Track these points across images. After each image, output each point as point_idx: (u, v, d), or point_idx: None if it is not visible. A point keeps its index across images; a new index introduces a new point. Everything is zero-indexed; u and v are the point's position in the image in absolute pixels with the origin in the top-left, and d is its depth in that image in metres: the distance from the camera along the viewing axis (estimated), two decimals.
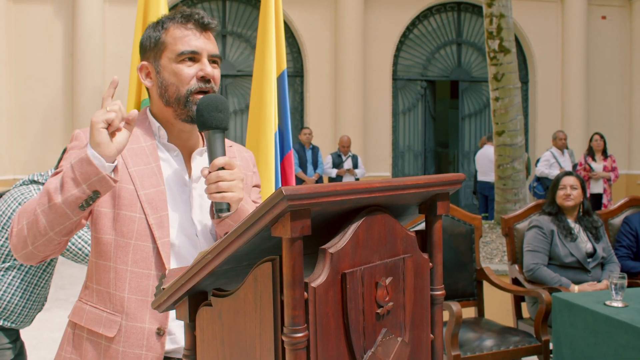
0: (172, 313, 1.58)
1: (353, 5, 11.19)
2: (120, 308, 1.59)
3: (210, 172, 1.55)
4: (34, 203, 1.48)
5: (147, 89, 1.70)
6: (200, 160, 1.71)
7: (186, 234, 1.65)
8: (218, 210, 1.56)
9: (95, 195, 1.44)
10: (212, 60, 1.67)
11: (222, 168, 1.55)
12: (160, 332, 1.59)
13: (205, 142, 1.61)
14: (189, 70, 1.62)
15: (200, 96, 1.61)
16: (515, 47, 7.82)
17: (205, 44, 1.65)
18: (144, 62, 1.68)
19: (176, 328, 1.63)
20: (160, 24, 1.67)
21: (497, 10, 7.44)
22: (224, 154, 1.58)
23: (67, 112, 10.22)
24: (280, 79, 3.24)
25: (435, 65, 12.36)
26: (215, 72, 1.66)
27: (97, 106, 10.08)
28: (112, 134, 1.46)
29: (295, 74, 11.49)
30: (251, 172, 1.83)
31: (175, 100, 1.63)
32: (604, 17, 12.62)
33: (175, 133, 1.69)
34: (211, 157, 1.57)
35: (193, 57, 1.63)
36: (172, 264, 1.62)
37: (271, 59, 3.13)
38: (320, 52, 11.35)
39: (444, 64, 12.38)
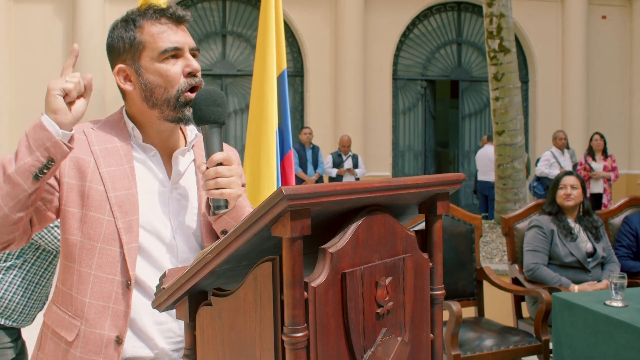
0: (131, 321, 1.55)
1: (353, 5, 11.19)
2: (80, 312, 1.53)
3: (208, 168, 1.51)
4: None
5: (124, 92, 1.61)
6: (182, 160, 1.65)
7: (160, 237, 1.58)
8: (216, 207, 1.52)
9: (50, 163, 1.39)
10: (192, 53, 1.60)
11: (220, 164, 1.51)
12: (119, 340, 1.52)
13: (203, 137, 1.54)
14: (175, 68, 1.55)
15: (190, 93, 1.56)
16: (515, 46, 7.82)
17: (184, 37, 1.58)
18: (121, 65, 1.58)
19: (131, 338, 1.56)
20: (130, 22, 1.58)
21: (497, 10, 7.44)
22: (222, 150, 1.53)
23: None
24: (280, 78, 3.24)
25: (436, 65, 12.36)
26: (198, 65, 1.60)
27: (96, 105, 10.08)
28: (69, 104, 1.44)
29: (295, 74, 11.49)
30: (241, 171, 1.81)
31: (165, 102, 1.56)
32: (604, 17, 12.62)
33: (153, 133, 1.62)
34: (209, 153, 1.52)
35: (176, 53, 1.56)
36: (142, 269, 1.55)
37: (271, 58, 3.13)
38: (321, 52, 11.35)
39: (444, 64, 12.38)
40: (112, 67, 1.62)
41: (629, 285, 3.43)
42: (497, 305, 4.59)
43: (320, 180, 9.48)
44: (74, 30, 10.13)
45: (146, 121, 1.61)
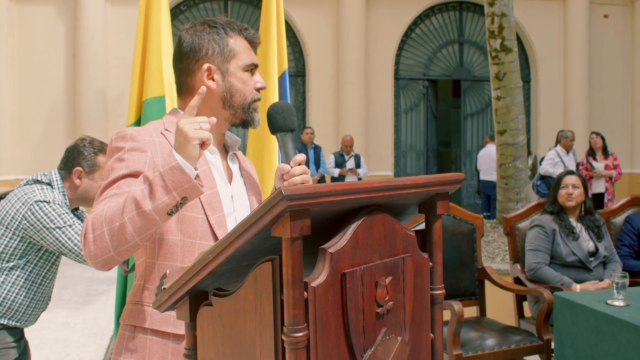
0: None
1: (355, 4, 11.19)
2: None
3: (292, 167, 1.68)
4: (117, 210, 1.48)
5: (193, 89, 1.73)
6: (233, 162, 1.82)
7: None
8: None
9: (184, 201, 1.48)
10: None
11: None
12: None
13: (280, 142, 1.73)
14: (251, 80, 1.75)
15: (255, 103, 1.76)
16: (517, 46, 7.81)
17: (257, 60, 1.79)
18: (210, 65, 1.72)
19: None
20: (221, 29, 1.74)
21: (499, 10, 7.44)
22: (295, 152, 1.72)
23: (69, 112, 10.23)
24: (281, 78, 3.24)
25: (437, 64, 12.35)
26: None
27: (99, 107, 10.10)
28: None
29: (297, 74, 11.50)
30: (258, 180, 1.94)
31: (240, 105, 1.73)
32: (606, 16, 12.60)
33: (215, 136, 1.76)
34: (288, 155, 1.70)
35: (253, 69, 1.76)
36: None
37: (273, 58, 3.14)
38: (322, 52, 11.35)
39: (446, 63, 12.37)
40: (192, 63, 1.73)
41: (631, 284, 3.42)
42: (499, 305, 4.59)
43: (322, 180, 9.48)
44: (75, 31, 10.14)
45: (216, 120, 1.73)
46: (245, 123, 1.76)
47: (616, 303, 3.03)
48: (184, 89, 1.75)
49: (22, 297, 2.56)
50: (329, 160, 9.64)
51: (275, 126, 1.73)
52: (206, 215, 1.65)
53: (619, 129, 12.49)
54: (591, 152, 9.23)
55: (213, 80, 1.72)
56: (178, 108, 1.79)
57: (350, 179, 9.39)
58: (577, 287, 3.81)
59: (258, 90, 1.77)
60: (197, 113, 1.71)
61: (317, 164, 9.48)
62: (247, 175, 1.86)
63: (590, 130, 11.31)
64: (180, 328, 1.61)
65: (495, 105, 7.59)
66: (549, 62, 12.29)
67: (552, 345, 3.60)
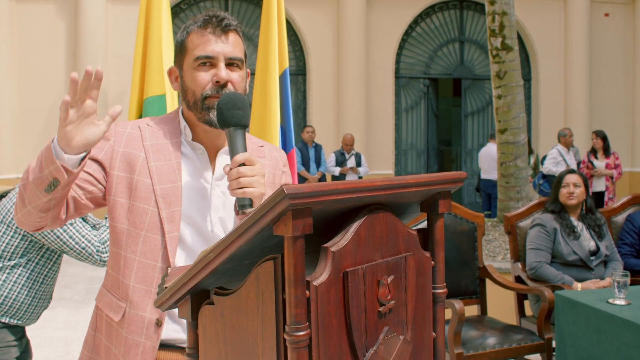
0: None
1: (355, 3, 11.18)
2: (125, 295, 1.65)
3: (231, 169, 1.57)
4: (25, 175, 1.53)
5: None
6: (225, 158, 1.76)
7: (199, 230, 1.69)
8: (241, 206, 1.56)
9: (55, 182, 1.46)
10: (230, 62, 1.69)
11: (243, 164, 1.56)
12: (159, 323, 1.64)
13: (227, 140, 1.61)
14: (205, 75, 1.66)
15: (213, 100, 1.66)
16: (518, 44, 7.80)
17: (223, 47, 1.67)
18: (172, 67, 1.75)
19: (168, 322, 1.68)
20: (185, 28, 1.72)
21: (500, 8, 7.43)
22: (245, 150, 1.59)
23: None
24: (282, 77, 3.24)
25: (438, 63, 12.35)
26: (232, 74, 1.68)
27: (100, 105, 9.98)
28: (83, 127, 1.47)
29: (297, 72, 11.49)
30: (280, 172, 1.85)
31: (194, 105, 1.68)
32: (606, 15, 12.59)
33: (200, 133, 1.73)
34: (232, 154, 1.58)
35: (209, 62, 1.67)
36: (179, 258, 1.66)
37: (274, 57, 3.13)
38: (323, 50, 11.34)
39: (447, 62, 12.37)
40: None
41: (632, 283, 3.42)
42: (500, 304, 4.58)
43: (323, 178, 9.48)
44: (76, 30, 10.14)
45: (191, 120, 1.73)
46: (207, 123, 1.68)
47: (617, 302, 3.03)
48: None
49: (23, 296, 2.56)
50: (329, 158, 9.63)
51: (219, 121, 1.59)
52: (158, 208, 1.64)
53: (619, 128, 12.49)
54: (593, 151, 9.22)
55: (177, 82, 1.74)
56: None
57: (350, 177, 9.39)
58: (578, 286, 3.81)
59: (217, 84, 1.66)
60: (184, 110, 1.75)
61: (318, 163, 9.48)
62: None
63: (591, 129, 11.32)
64: (116, 314, 1.66)
65: (496, 103, 7.58)
66: (550, 61, 12.28)
67: (553, 344, 3.60)
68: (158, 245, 1.64)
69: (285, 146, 3.28)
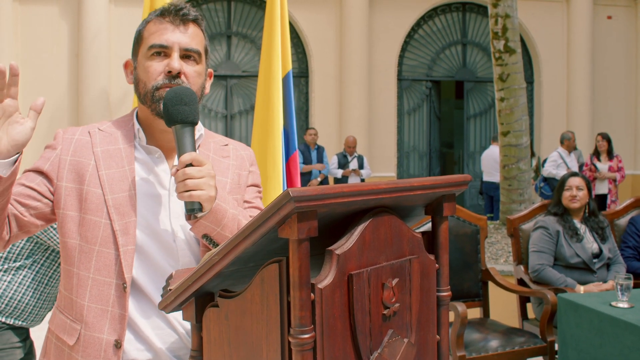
0: (131, 324, 1.54)
1: (358, 5, 11.19)
2: (80, 316, 1.53)
3: (177, 170, 1.44)
4: None
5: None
6: None
7: (160, 240, 1.55)
8: (189, 210, 1.44)
9: None
10: (186, 54, 1.58)
11: (190, 165, 1.44)
12: (118, 344, 1.51)
13: (175, 138, 1.49)
14: (157, 65, 1.55)
15: (163, 91, 1.54)
16: (521, 47, 7.80)
17: (179, 37, 1.56)
18: (128, 59, 1.64)
19: (131, 341, 1.55)
20: (145, 20, 1.62)
21: (503, 11, 7.43)
22: (193, 150, 1.48)
23: (72, 112, 10.25)
24: (285, 79, 3.24)
25: (441, 65, 12.34)
26: (187, 67, 1.57)
27: (102, 106, 10.11)
28: (8, 127, 1.40)
29: (300, 75, 11.50)
30: (246, 172, 1.72)
31: (144, 96, 1.57)
32: (609, 17, 12.58)
33: (157, 134, 1.61)
34: (179, 154, 1.47)
35: (163, 51, 1.56)
36: (140, 272, 1.53)
37: (277, 59, 3.14)
38: (326, 53, 11.35)
39: (449, 64, 12.37)
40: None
41: (635, 286, 3.42)
42: (503, 306, 4.58)
43: (325, 181, 9.48)
44: (79, 31, 10.16)
45: (146, 118, 1.61)
46: (161, 116, 1.53)
47: (620, 305, 3.02)
48: None
49: (28, 297, 2.56)
50: (332, 161, 9.64)
51: (165, 118, 1.48)
52: (110, 220, 1.51)
53: (622, 130, 12.47)
54: (596, 153, 9.22)
55: (132, 74, 1.63)
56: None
57: (353, 179, 9.39)
58: (581, 288, 3.81)
59: (169, 74, 1.54)
60: (139, 116, 1.63)
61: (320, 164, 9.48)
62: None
63: (594, 132, 11.31)
64: (70, 337, 1.53)
65: (499, 106, 7.58)
66: (553, 63, 12.28)
67: (556, 346, 3.60)
68: (112, 260, 1.51)
69: (287, 148, 3.28)
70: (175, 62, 1.55)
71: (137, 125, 1.61)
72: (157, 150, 1.61)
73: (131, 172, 1.55)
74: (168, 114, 1.47)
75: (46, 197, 1.54)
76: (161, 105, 1.52)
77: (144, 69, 1.56)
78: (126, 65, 1.64)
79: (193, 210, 1.44)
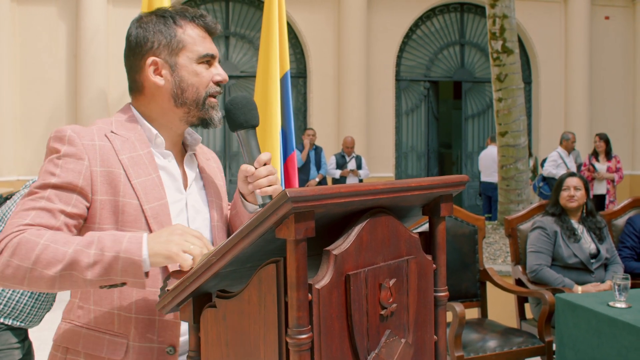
0: (184, 329, 1.52)
1: (356, 6, 11.19)
2: (125, 329, 1.48)
3: (257, 168, 1.55)
4: (52, 258, 1.32)
5: (142, 87, 1.58)
6: (191, 164, 1.66)
7: None
8: (263, 205, 1.50)
9: (122, 285, 1.36)
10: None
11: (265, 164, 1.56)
12: (171, 351, 1.48)
13: (241, 141, 1.58)
14: (207, 73, 1.57)
15: (213, 99, 1.59)
16: (519, 47, 7.80)
17: (215, 49, 1.61)
18: (155, 58, 1.55)
19: (185, 345, 1.54)
20: (169, 19, 1.57)
21: (500, 11, 7.44)
22: (260, 151, 1.58)
23: (71, 113, 10.24)
24: (283, 80, 3.25)
25: (439, 65, 12.35)
26: None
27: (101, 107, 10.10)
28: None
29: (298, 75, 11.50)
30: (222, 175, 1.79)
31: (194, 102, 1.56)
32: (607, 18, 12.60)
33: (171, 136, 1.61)
34: (251, 155, 1.56)
35: (210, 60, 1.59)
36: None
37: (275, 60, 3.14)
38: (324, 53, 11.35)
39: (447, 65, 12.37)
40: (138, 58, 1.58)
41: (633, 286, 3.42)
42: (501, 307, 4.58)
43: (323, 181, 9.48)
44: (77, 32, 10.15)
45: (167, 121, 1.60)
46: (204, 122, 1.59)
47: (618, 305, 3.02)
48: (134, 87, 1.60)
49: (27, 298, 2.56)
50: (330, 161, 9.64)
51: (235, 123, 1.56)
52: (150, 231, 1.47)
53: (620, 131, 12.49)
54: (594, 154, 9.22)
55: (161, 75, 1.55)
56: (131, 106, 1.62)
57: (351, 180, 9.39)
58: (579, 288, 3.81)
59: (218, 83, 1.59)
60: (147, 112, 1.60)
61: (318, 165, 9.48)
62: (207, 178, 1.69)
63: (592, 132, 11.32)
64: (115, 353, 1.48)
65: (497, 106, 7.59)
66: (550, 64, 12.29)
67: (554, 347, 3.60)
68: (157, 270, 1.48)
69: (285, 149, 3.29)
70: (223, 72, 1.61)
71: (153, 130, 1.58)
72: (170, 153, 1.60)
73: (159, 179, 1.53)
74: (237, 119, 1.55)
75: (82, 218, 1.46)
76: (210, 113, 1.58)
77: (194, 74, 1.56)
78: (151, 64, 1.56)
79: (266, 204, 1.51)
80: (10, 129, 9.97)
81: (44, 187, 1.42)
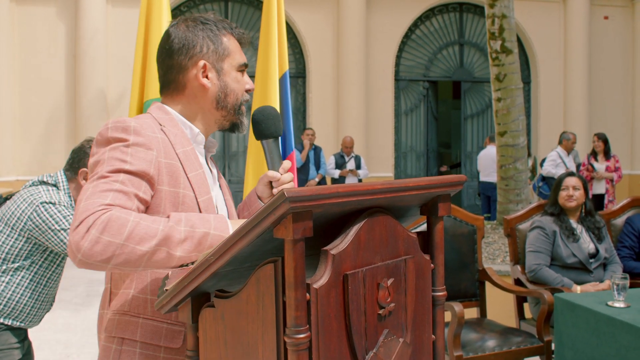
0: None
1: (355, 6, 11.19)
2: None
3: (282, 174, 1.67)
4: (144, 234, 1.33)
5: (184, 86, 1.64)
6: (211, 164, 1.75)
7: None
8: None
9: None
10: None
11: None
12: None
13: (267, 149, 1.69)
14: (243, 81, 1.69)
15: (243, 107, 1.69)
16: (518, 47, 7.81)
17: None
18: (206, 62, 1.63)
19: None
20: (213, 26, 1.66)
21: (499, 11, 7.44)
22: (282, 159, 1.70)
23: (70, 113, 10.24)
24: (282, 80, 3.25)
25: (438, 65, 12.35)
26: None
27: (100, 107, 10.11)
28: None
29: (297, 75, 11.50)
30: None
31: (233, 107, 1.67)
32: (606, 17, 12.60)
33: (206, 135, 1.71)
34: (275, 162, 1.68)
35: (244, 69, 1.70)
36: None
37: (274, 60, 3.14)
38: (323, 53, 11.35)
39: (446, 65, 12.38)
40: (185, 59, 1.63)
41: (631, 286, 3.42)
42: (499, 306, 4.59)
43: (323, 181, 9.48)
44: (76, 32, 10.15)
45: (204, 122, 1.68)
46: (233, 126, 1.70)
47: (616, 304, 3.03)
48: (173, 86, 1.65)
49: (26, 298, 2.56)
50: (329, 161, 9.64)
51: (264, 132, 1.67)
52: None
53: (619, 130, 12.49)
54: (593, 153, 9.23)
55: (207, 78, 1.64)
56: (164, 105, 1.67)
57: (350, 180, 9.39)
58: (578, 288, 3.81)
59: (248, 92, 1.71)
60: (186, 111, 1.66)
61: (317, 165, 9.48)
62: (220, 178, 1.79)
63: (591, 132, 11.32)
64: (173, 341, 1.52)
65: (496, 106, 7.59)
66: (549, 64, 12.29)
67: (553, 346, 3.61)
68: None
69: (284, 149, 3.29)
70: (252, 82, 1.74)
71: (196, 129, 1.66)
72: (204, 151, 1.70)
73: (204, 174, 1.61)
74: (267, 129, 1.67)
75: (147, 205, 1.49)
76: (241, 118, 1.69)
77: (237, 80, 1.68)
78: (202, 67, 1.63)
79: None
80: (9, 129, 9.97)
81: (117, 171, 1.43)
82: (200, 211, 1.54)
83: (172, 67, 1.64)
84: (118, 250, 1.30)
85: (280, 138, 1.73)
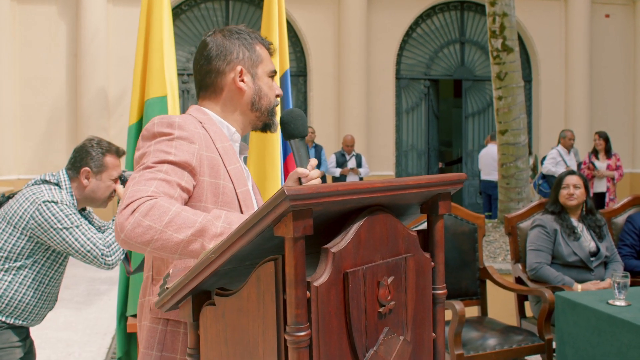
0: None
1: (356, 4, 11.18)
2: None
3: (310, 171, 1.80)
4: (185, 224, 1.39)
5: (221, 89, 1.77)
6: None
7: None
8: None
9: None
10: None
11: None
12: None
13: (295, 148, 1.85)
14: (274, 86, 1.84)
15: (275, 109, 1.84)
16: (519, 45, 7.80)
17: None
18: (242, 67, 1.77)
19: None
20: (246, 35, 1.81)
21: (500, 9, 7.43)
22: (309, 156, 1.84)
23: (71, 112, 10.25)
24: (283, 78, 3.25)
25: (439, 64, 12.34)
26: None
27: (101, 106, 10.12)
28: None
29: (298, 74, 11.50)
30: None
31: (266, 109, 1.81)
32: (607, 16, 12.59)
33: (241, 137, 1.83)
34: (303, 159, 1.83)
35: (274, 76, 1.85)
36: None
37: (274, 59, 3.14)
38: (324, 52, 11.35)
39: (447, 63, 12.37)
40: (224, 64, 1.77)
41: (632, 284, 3.43)
42: (500, 305, 4.59)
43: (323, 179, 9.47)
44: (77, 31, 10.15)
45: (239, 122, 1.81)
46: (265, 126, 1.84)
47: (617, 303, 3.03)
48: (211, 89, 1.79)
49: (29, 297, 2.57)
50: (330, 159, 9.64)
51: (293, 133, 1.83)
52: (241, 212, 1.67)
53: (620, 129, 12.48)
54: (594, 152, 9.22)
55: (244, 82, 1.78)
56: (202, 107, 1.79)
57: (351, 178, 9.39)
58: (579, 287, 3.81)
59: (277, 97, 1.85)
60: (222, 112, 1.79)
61: (318, 164, 9.47)
62: (250, 178, 1.89)
63: (592, 130, 11.31)
64: None
65: (497, 105, 7.59)
66: (551, 62, 12.28)
67: (554, 345, 3.61)
68: None
69: (285, 148, 3.29)
70: (279, 88, 1.89)
71: (232, 128, 1.79)
72: (238, 149, 1.81)
73: (241, 168, 1.74)
74: (296, 129, 1.83)
75: (189, 194, 1.59)
76: (272, 120, 1.84)
77: (269, 86, 1.83)
78: (240, 72, 1.77)
79: None
80: (10, 127, 9.98)
81: (161, 162, 1.55)
82: (239, 201, 1.66)
83: (210, 71, 1.78)
84: (157, 235, 1.39)
85: (304, 138, 1.86)
